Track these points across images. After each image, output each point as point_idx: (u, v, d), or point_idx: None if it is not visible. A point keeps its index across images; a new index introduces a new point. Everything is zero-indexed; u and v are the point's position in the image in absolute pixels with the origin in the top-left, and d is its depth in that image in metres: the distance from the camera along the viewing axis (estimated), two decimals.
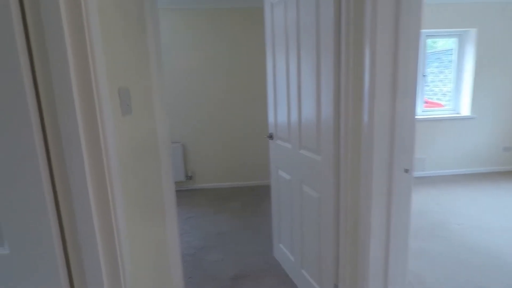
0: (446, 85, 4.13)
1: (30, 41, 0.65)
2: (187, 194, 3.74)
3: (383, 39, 1.04)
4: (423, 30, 3.38)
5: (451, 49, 4.02)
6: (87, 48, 0.68)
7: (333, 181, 1.32)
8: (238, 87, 3.77)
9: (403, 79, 1.08)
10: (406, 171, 1.15)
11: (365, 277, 1.25)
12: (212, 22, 3.58)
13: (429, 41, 3.98)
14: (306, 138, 1.54)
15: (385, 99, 1.09)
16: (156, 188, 1.25)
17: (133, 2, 1.06)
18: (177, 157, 3.71)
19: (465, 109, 3.97)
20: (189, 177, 3.87)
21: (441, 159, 4.04)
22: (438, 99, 4.27)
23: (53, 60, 0.66)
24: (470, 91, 3.89)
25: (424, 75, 3.99)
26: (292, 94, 1.68)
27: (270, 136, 2.04)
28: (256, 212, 3.17)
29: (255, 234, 2.70)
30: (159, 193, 1.28)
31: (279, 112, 1.88)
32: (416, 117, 1.14)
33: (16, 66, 0.64)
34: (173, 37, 3.58)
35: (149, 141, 1.18)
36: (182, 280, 1.56)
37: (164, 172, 1.33)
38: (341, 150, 1.28)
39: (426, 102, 4.16)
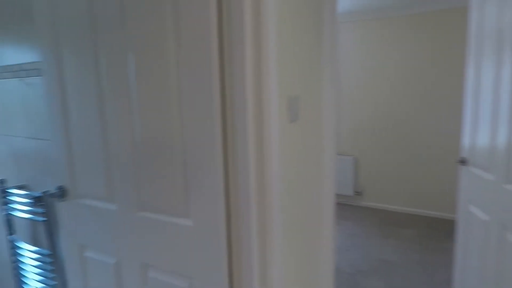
0: None
1: (223, 43, 0.79)
2: (354, 210, 3.58)
3: None
4: None
5: None
6: (263, 55, 0.76)
7: None
8: (423, 99, 3.27)
9: None
10: None
11: None
12: (389, 29, 3.28)
13: None
14: None
15: None
16: (316, 199, 1.25)
17: (312, 10, 1.11)
18: (347, 171, 3.62)
19: None
20: (358, 193, 3.69)
21: None
22: None
23: (235, 67, 0.77)
24: None
25: None
26: (502, 111, 1.29)
27: (462, 161, 1.64)
28: (434, 248, 2.64)
29: (428, 274, 2.25)
30: (317, 205, 1.28)
31: (480, 132, 1.48)
32: None
33: (208, 66, 0.79)
34: (346, 46, 3.53)
35: (314, 151, 1.19)
36: None
37: (326, 184, 1.31)
38: None
39: None
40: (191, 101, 0.83)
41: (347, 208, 3.62)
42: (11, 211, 1.58)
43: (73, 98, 1.11)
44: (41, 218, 1.40)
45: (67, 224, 1.24)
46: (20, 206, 1.50)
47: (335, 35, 1.27)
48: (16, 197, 1.52)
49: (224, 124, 0.82)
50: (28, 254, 1.54)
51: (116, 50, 0.95)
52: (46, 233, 1.42)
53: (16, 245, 1.61)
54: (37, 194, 1.39)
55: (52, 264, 1.43)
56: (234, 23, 0.75)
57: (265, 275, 0.87)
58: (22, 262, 1.59)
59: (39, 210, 1.40)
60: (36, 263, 1.50)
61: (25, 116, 1.49)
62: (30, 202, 1.44)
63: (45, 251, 1.46)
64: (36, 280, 1.53)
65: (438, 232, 2.94)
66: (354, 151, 3.67)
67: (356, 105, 3.61)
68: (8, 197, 1.56)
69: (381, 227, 3.09)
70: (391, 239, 2.82)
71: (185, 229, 0.91)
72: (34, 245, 1.56)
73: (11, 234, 1.64)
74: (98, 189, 1.11)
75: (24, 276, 1.61)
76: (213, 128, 0.80)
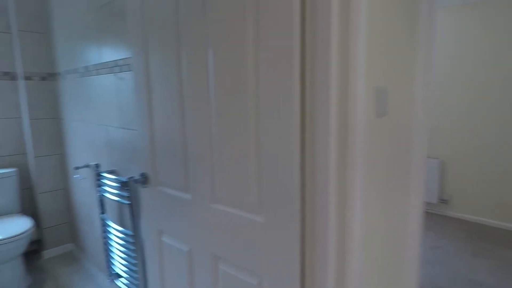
0: None
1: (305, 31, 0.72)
2: (438, 219, 3.18)
3: None
4: None
5: None
6: (350, 39, 0.67)
7: None
8: None
9: None
10: None
11: None
12: (485, 16, 2.76)
13: None
14: None
15: None
16: (400, 205, 1.11)
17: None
18: (432, 175, 3.23)
19: None
20: (443, 201, 3.27)
21: None
22: None
23: (317, 53, 0.70)
24: None
25: None
26: None
27: None
28: None
29: None
30: (402, 212, 1.13)
31: None
32: None
33: (289, 55, 0.73)
34: (444, 37, 3.10)
35: (402, 150, 1.05)
36: None
37: (414, 189, 1.15)
38: None
39: None
40: (269, 95, 0.79)
41: (430, 217, 3.24)
42: (103, 192, 1.77)
43: (157, 91, 1.17)
44: (126, 201, 1.53)
45: (148, 209, 1.32)
46: (110, 189, 1.66)
47: (433, 22, 1.09)
48: (107, 180, 1.69)
49: (303, 114, 0.75)
50: (115, 232, 1.71)
51: (197, 46, 0.96)
52: (130, 215, 1.55)
53: (106, 223, 1.80)
54: (123, 179, 1.52)
55: (134, 244, 1.55)
56: (319, 4, 0.68)
57: (342, 280, 0.79)
58: (110, 239, 1.77)
59: (125, 194, 1.53)
60: (121, 241, 1.66)
61: (118, 107, 1.64)
62: (118, 186, 1.58)
63: (129, 232, 1.59)
64: (120, 257, 1.69)
65: None
66: (440, 153, 3.26)
67: (445, 100, 3.18)
68: (101, 180, 1.75)
69: (472, 243, 2.68)
70: (484, 259, 2.42)
71: (257, 225, 0.88)
72: (120, 225, 1.72)
73: (102, 213, 1.84)
74: (176, 179, 1.15)
75: (111, 251, 1.80)
76: (291, 125, 0.75)
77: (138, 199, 1.51)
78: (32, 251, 2.52)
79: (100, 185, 1.77)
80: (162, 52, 1.10)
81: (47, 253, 2.49)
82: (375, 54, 0.80)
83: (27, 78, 2.28)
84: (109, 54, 1.63)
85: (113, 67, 1.61)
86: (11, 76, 2.39)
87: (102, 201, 1.83)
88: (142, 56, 1.20)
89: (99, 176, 1.77)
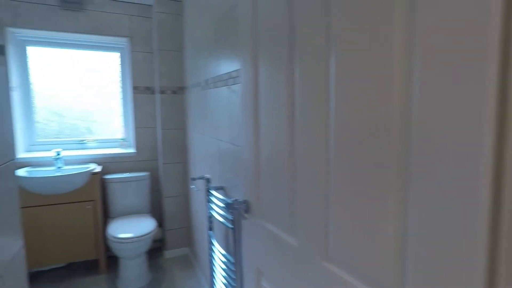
0: None
1: None
2: None
3: None
4: None
5: None
6: None
7: None
8: None
9: None
10: None
11: None
12: None
13: None
14: None
15: None
16: None
17: None
18: None
19: None
20: None
21: None
22: None
23: None
24: None
25: None
26: None
27: None
28: None
29: None
30: None
31: None
32: None
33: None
34: None
35: None
36: None
37: None
38: None
39: None
40: (437, 117, 0.46)
41: None
42: (211, 209, 1.70)
43: (265, 106, 0.97)
44: (230, 225, 1.40)
45: (247, 241, 1.14)
46: (216, 208, 1.58)
47: None
48: (214, 198, 1.61)
49: (501, 150, 0.39)
50: (218, 253, 1.61)
51: (315, 57, 0.72)
52: (232, 241, 1.41)
53: (212, 241, 1.73)
54: (229, 200, 1.40)
55: (234, 273, 1.40)
56: None
57: None
58: (214, 258, 1.69)
59: (229, 216, 1.40)
60: (223, 265, 1.54)
61: (228, 121, 1.55)
62: (223, 207, 1.47)
63: (230, 258, 1.46)
64: (222, 281, 1.58)
65: None
66: None
67: None
68: (210, 196, 1.70)
69: None
70: None
71: None
72: (224, 247, 1.62)
73: (210, 229, 1.79)
74: (279, 214, 0.93)
75: (214, 270, 1.71)
76: (479, 168, 0.40)
77: (240, 226, 1.36)
78: (156, 249, 2.76)
79: (209, 200, 1.71)
80: (272, 64, 0.91)
81: (167, 253, 2.67)
82: None
83: (162, 92, 2.51)
84: (225, 66, 1.57)
85: (228, 79, 1.52)
86: (151, 90, 2.70)
87: (210, 217, 1.77)
88: (250, 66, 1.03)
89: (209, 192, 1.72)
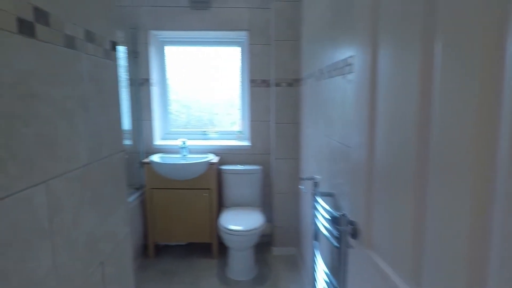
0: None
1: None
2: None
3: None
4: None
5: None
6: None
7: None
8: None
9: None
10: None
11: None
12: None
13: None
14: None
15: None
16: None
17: None
18: None
19: None
20: None
21: None
22: None
23: None
24: None
25: None
26: None
27: None
28: None
29: None
30: None
31: None
32: None
33: None
34: None
35: None
36: None
37: None
38: None
39: None
40: None
41: None
42: (316, 218, 1.50)
43: (384, 97, 0.71)
44: (335, 243, 1.17)
45: (355, 272, 0.90)
46: (321, 218, 1.36)
47: None
48: (320, 206, 1.40)
49: None
50: (321, 270, 1.40)
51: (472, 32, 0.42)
52: (337, 262, 1.18)
53: (315, 252, 1.53)
54: (335, 213, 1.17)
55: None
56: None
57: None
58: (316, 272, 1.49)
59: (335, 232, 1.17)
60: (325, 284, 1.32)
61: (341, 117, 1.30)
62: (329, 219, 1.25)
63: (334, 281, 1.23)
64: None
65: None
66: None
67: None
68: (316, 202, 1.49)
69: None
70: None
71: None
72: (329, 266, 1.39)
73: (315, 239, 1.59)
74: (397, 250, 0.66)
75: (315, 286, 1.51)
76: None
77: (346, 248, 1.11)
78: (265, 243, 2.74)
79: (315, 207, 1.51)
80: (398, 46, 0.64)
81: (275, 250, 2.62)
82: None
83: (277, 84, 2.42)
84: (341, 51, 1.31)
85: (343, 67, 1.27)
86: (266, 83, 2.65)
87: (315, 225, 1.57)
88: (367, 50, 0.78)
89: (315, 197, 1.52)
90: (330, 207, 1.31)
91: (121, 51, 2.48)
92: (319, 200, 1.43)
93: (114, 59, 0.97)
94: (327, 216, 1.26)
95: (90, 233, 0.82)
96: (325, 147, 1.55)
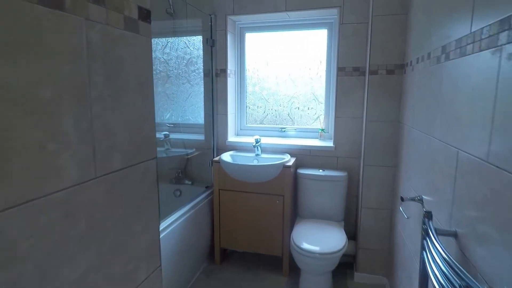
0: None
1: None
2: None
3: None
4: None
5: None
6: None
7: None
8: None
9: None
10: None
11: None
12: None
13: None
14: None
15: None
16: None
17: None
18: None
19: None
20: None
21: None
22: None
23: None
24: None
25: None
26: None
27: None
28: None
29: None
30: None
31: None
32: None
33: None
34: None
35: None
36: None
37: None
38: None
39: None
40: None
41: None
42: (426, 259, 1.01)
43: None
44: None
45: None
46: (434, 266, 0.88)
47: None
48: (434, 248, 0.92)
49: None
50: None
51: None
52: None
53: None
54: (458, 282, 0.70)
55: None
56: None
57: None
58: None
59: None
60: None
61: (486, 116, 0.80)
62: (448, 269, 0.77)
63: None
64: None
65: None
66: None
67: None
68: (428, 239, 1.01)
69: None
70: None
71: None
72: None
73: (421, 283, 1.10)
74: None
75: None
76: None
77: None
78: (345, 265, 2.29)
79: (424, 244, 1.03)
80: None
81: (358, 277, 2.15)
82: None
83: (373, 72, 1.93)
84: (487, 13, 0.81)
85: (497, 33, 0.77)
86: (359, 71, 2.17)
87: (424, 268, 1.09)
88: None
89: (427, 231, 1.04)
90: (452, 258, 0.83)
91: (197, 40, 2.32)
92: (433, 238, 0.95)
93: (143, 32, 0.70)
94: (444, 269, 0.79)
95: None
96: (447, 160, 1.05)
